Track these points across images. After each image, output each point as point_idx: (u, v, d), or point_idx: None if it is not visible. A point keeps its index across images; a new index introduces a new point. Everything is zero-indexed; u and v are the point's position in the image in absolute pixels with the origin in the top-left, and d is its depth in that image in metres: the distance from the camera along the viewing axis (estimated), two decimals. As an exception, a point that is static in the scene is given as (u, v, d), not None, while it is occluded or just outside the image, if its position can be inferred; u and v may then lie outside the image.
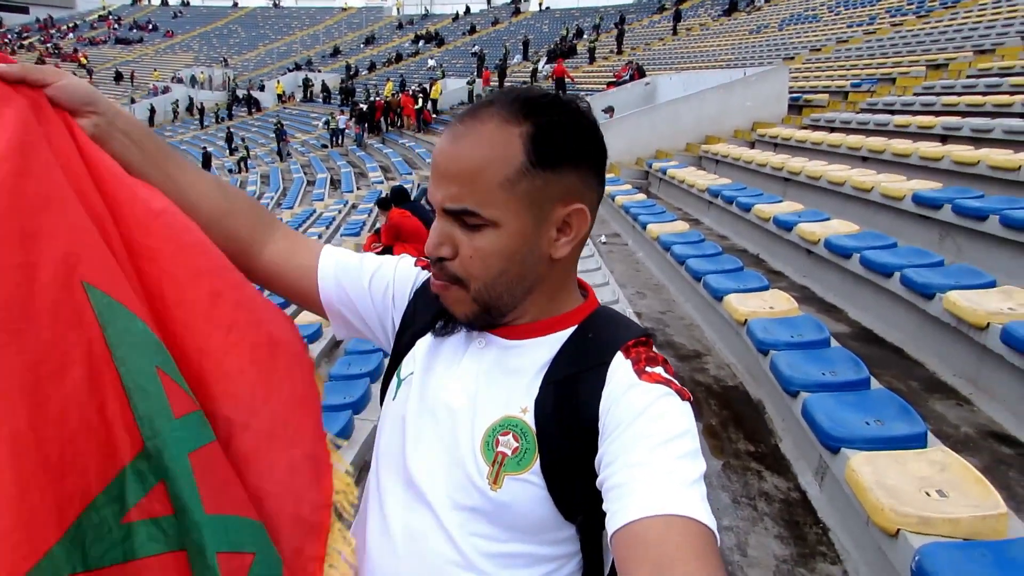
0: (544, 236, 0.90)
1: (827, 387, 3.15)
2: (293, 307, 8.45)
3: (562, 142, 0.87)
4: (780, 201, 6.94)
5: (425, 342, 1.04)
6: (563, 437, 0.87)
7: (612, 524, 0.76)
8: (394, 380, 1.06)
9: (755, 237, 7.04)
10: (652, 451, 0.79)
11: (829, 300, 5.28)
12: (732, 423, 3.80)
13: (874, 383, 3.20)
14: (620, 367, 0.89)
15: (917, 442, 2.58)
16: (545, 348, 0.94)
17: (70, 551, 0.68)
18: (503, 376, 0.94)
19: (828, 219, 5.85)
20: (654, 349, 0.95)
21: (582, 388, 0.89)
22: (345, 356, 5.08)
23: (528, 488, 0.87)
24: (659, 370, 0.88)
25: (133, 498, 0.75)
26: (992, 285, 3.82)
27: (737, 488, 3.17)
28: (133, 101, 40.94)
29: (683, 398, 0.86)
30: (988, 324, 3.35)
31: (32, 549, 0.64)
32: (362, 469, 3.83)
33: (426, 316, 1.06)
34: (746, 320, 4.08)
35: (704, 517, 0.74)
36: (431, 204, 0.91)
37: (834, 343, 3.70)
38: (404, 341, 1.08)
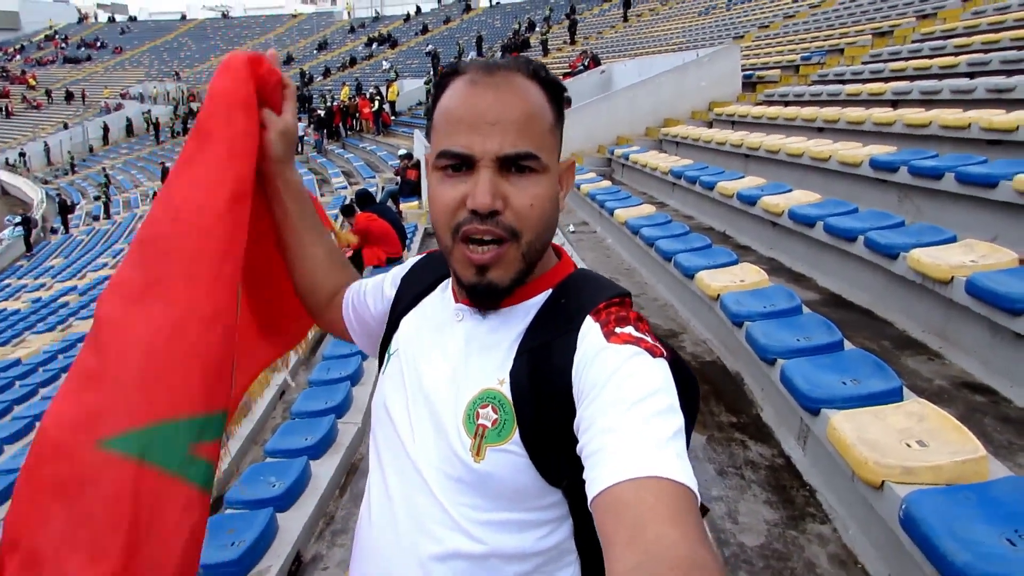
0: (558, 188, 0.96)
1: (802, 352, 3.20)
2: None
3: (561, 104, 0.96)
4: (742, 177, 7.02)
5: (410, 320, 1.08)
6: (540, 406, 0.89)
7: (590, 492, 0.76)
8: (386, 356, 1.10)
9: (721, 214, 7.12)
10: (623, 415, 0.79)
11: (797, 269, 5.37)
12: (713, 397, 3.85)
13: (847, 345, 3.26)
14: (590, 331, 0.89)
15: (893, 397, 2.64)
16: (521, 316, 0.96)
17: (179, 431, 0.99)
18: (481, 348, 0.96)
19: (790, 190, 5.94)
20: (631, 308, 0.96)
21: (555, 355, 0.90)
22: (323, 361, 5.03)
23: (509, 458, 0.89)
24: (628, 329, 0.88)
25: (209, 436, 1.03)
26: (953, 240, 3.91)
27: (723, 459, 3.21)
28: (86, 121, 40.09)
29: (654, 355, 0.85)
30: (952, 278, 3.43)
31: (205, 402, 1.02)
32: (349, 472, 3.81)
33: (413, 294, 1.11)
34: (719, 295, 4.13)
35: (679, 475, 0.73)
36: (463, 158, 0.88)
37: (806, 310, 3.76)
38: (392, 320, 1.13)
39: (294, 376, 5.43)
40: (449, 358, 0.97)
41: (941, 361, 3.56)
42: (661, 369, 0.84)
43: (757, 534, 2.67)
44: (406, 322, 1.08)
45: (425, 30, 44.09)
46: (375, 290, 1.21)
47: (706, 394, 3.88)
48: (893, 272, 4.02)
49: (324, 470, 3.58)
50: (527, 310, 0.96)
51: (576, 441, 0.84)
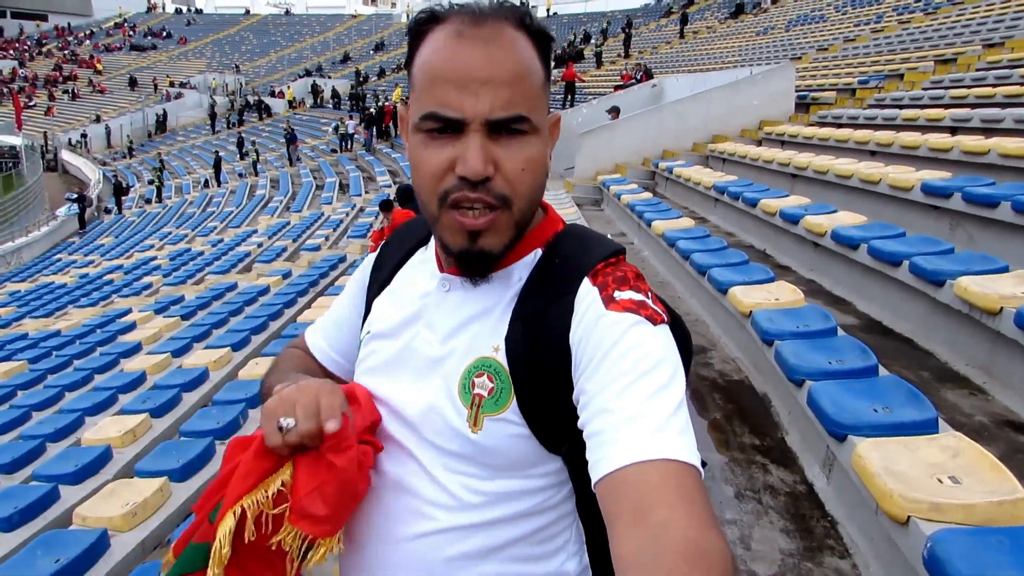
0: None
1: (833, 375, 3.03)
2: (289, 316, 8.35)
3: (549, 56, 0.89)
4: (787, 195, 6.82)
5: (385, 299, 1.03)
6: (537, 373, 0.86)
7: (593, 476, 0.75)
8: (360, 344, 1.05)
9: (762, 232, 6.92)
10: (623, 393, 0.76)
11: (837, 293, 5.15)
12: (737, 417, 3.69)
13: (882, 371, 3.08)
14: (587, 295, 0.86)
15: (928, 428, 2.46)
16: (512, 279, 0.92)
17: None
18: (473, 317, 0.92)
19: (835, 211, 5.73)
20: (625, 264, 0.91)
21: (551, 320, 0.86)
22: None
23: (508, 427, 0.87)
24: (628, 295, 0.84)
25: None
26: (1005, 270, 3.68)
27: (741, 481, 3.06)
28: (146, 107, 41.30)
29: (656, 322, 0.82)
30: (1001, 309, 3.22)
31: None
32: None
33: (387, 271, 1.06)
34: (751, 311, 3.97)
35: (682, 454, 0.71)
36: (451, 121, 0.80)
37: (841, 332, 3.58)
38: (366, 305, 1.08)
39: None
40: (438, 329, 0.93)
41: (984, 397, 3.35)
42: (662, 337, 0.82)
43: (770, 563, 2.52)
44: (380, 302, 1.04)
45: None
46: (351, 301, 1.13)
47: (730, 414, 3.73)
48: (938, 300, 3.81)
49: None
50: (518, 272, 0.92)
51: (574, 408, 0.83)
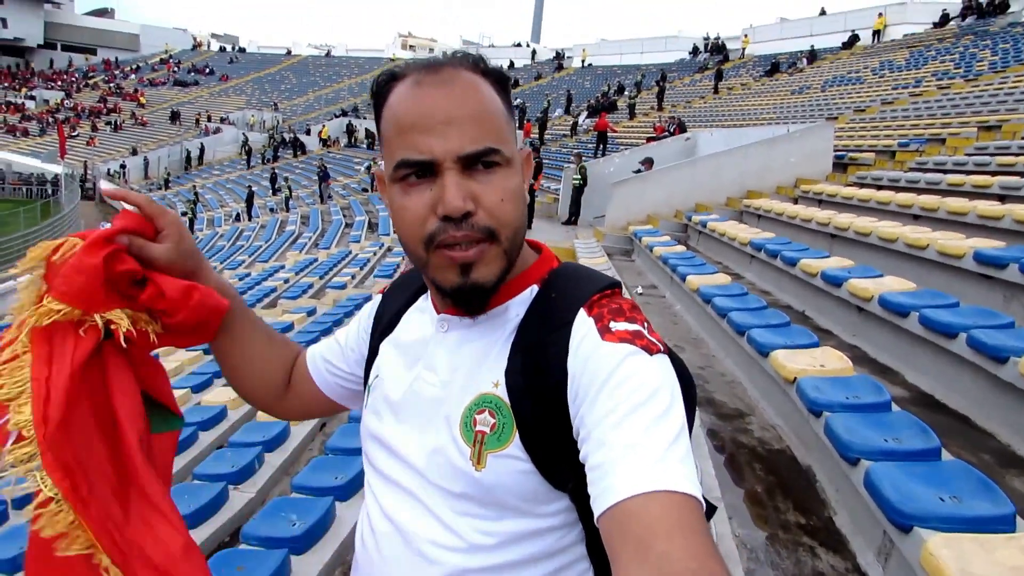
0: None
1: (891, 455, 2.81)
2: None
3: (508, 93, 0.92)
4: (827, 256, 6.62)
5: (390, 342, 1.05)
6: (537, 406, 0.86)
7: (595, 510, 0.75)
8: (367, 389, 1.07)
9: (800, 293, 6.70)
10: (620, 425, 0.76)
11: (883, 361, 4.91)
12: (779, 491, 3.46)
13: (944, 454, 2.85)
14: (583, 326, 0.86)
15: (1004, 525, 2.24)
16: (509, 315, 0.93)
17: None
18: (472, 354, 0.92)
19: (881, 276, 5.52)
20: (623, 296, 0.92)
21: (549, 352, 0.86)
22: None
23: (511, 463, 0.86)
24: (623, 326, 0.85)
25: None
26: (1072, 349, 3.46)
27: (788, 566, 2.82)
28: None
29: (652, 352, 0.82)
30: (1075, 392, 2.99)
31: None
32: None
33: (390, 316, 1.08)
34: (795, 378, 3.76)
35: (682, 485, 0.71)
36: (423, 164, 0.83)
37: (895, 408, 3.36)
38: (372, 347, 1.09)
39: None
40: (439, 370, 0.94)
41: (1054, 486, 3.09)
42: (659, 366, 0.82)
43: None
44: (386, 346, 1.06)
45: (516, 84, 44.99)
46: (346, 341, 1.16)
47: (771, 487, 3.51)
48: (999, 377, 3.57)
49: (351, 513, 3.35)
50: (515, 308, 0.93)
51: (576, 442, 0.83)
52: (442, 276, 0.86)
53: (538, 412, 0.86)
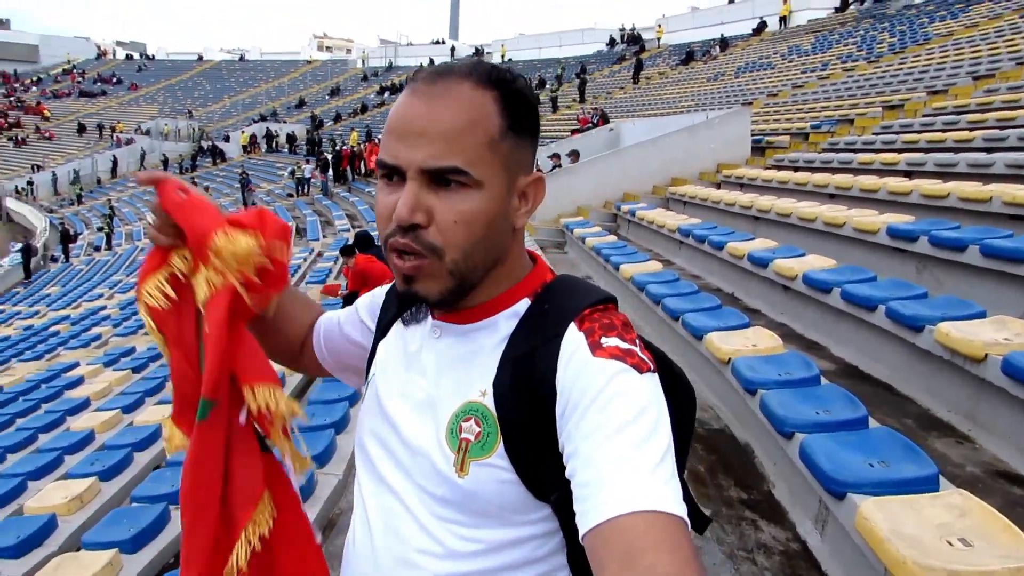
0: (511, 204, 0.90)
1: (823, 427, 2.94)
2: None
3: (525, 112, 0.89)
4: (752, 239, 6.86)
5: (387, 345, 1.06)
6: (524, 417, 0.86)
7: (580, 528, 0.75)
8: (364, 387, 1.08)
9: (729, 275, 6.92)
10: (607, 444, 0.76)
11: (809, 337, 5.14)
12: (720, 468, 3.59)
13: (871, 422, 3.01)
14: (573, 340, 0.86)
15: (929, 485, 2.38)
16: (500, 326, 0.93)
17: None
18: (461, 362, 0.93)
19: (804, 255, 5.75)
20: (617, 312, 0.91)
21: (538, 363, 0.86)
22: (308, 406, 4.76)
23: (494, 472, 0.86)
24: (614, 341, 0.84)
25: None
26: (982, 316, 3.69)
27: (733, 540, 2.93)
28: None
29: (642, 370, 0.82)
30: (986, 356, 3.19)
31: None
32: (325, 528, 3.52)
33: (388, 317, 1.08)
34: (729, 359, 3.90)
35: (668, 505, 0.72)
36: (392, 168, 0.85)
37: (824, 381, 3.52)
38: (372, 347, 1.10)
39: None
40: (428, 375, 0.95)
41: (971, 445, 3.30)
42: (648, 385, 0.82)
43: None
44: (382, 346, 1.07)
45: (438, 82, 44.63)
46: (352, 319, 1.18)
47: (713, 465, 3.63)
48: (917, 346, 3.79)
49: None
50: (507, 319, 0.93)
51: (563, 455, 0.83)
52: (396, 276, 0.90)
53: (524, 423, 0.86)
